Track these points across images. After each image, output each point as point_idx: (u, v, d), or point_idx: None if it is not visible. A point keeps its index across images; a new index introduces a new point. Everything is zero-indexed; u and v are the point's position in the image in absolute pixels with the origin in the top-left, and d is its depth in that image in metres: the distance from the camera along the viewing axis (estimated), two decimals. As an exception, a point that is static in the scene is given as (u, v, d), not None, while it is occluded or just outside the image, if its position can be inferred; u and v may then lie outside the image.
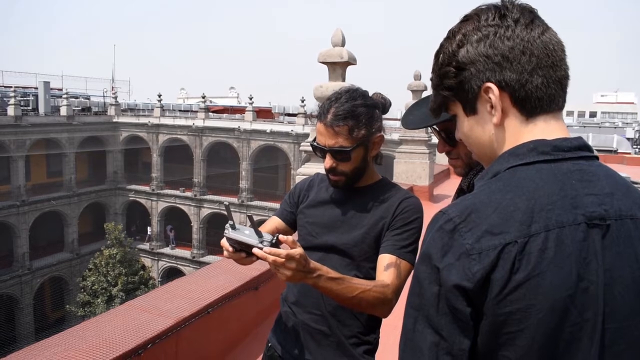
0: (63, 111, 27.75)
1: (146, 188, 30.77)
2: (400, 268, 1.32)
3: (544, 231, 0.66)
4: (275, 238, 1.13)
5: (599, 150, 18.09)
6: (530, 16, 0.75)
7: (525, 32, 0.73)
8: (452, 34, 0.79)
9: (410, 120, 1.39)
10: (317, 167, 4.76)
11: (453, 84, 0.78)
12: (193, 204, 29.46)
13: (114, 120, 31.24)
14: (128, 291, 22.53)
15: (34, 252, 25.71)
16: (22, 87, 30.36)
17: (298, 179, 4.33)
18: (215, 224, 28.04)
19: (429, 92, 1.31)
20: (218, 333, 2.68)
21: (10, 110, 24.60)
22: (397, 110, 20.94)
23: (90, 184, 30.29)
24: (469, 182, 1.30)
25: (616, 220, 0.69)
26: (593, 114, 49.97)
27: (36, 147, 26.62)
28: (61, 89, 31.83)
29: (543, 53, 0.73)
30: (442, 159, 11.43)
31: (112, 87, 35.93)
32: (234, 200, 27.83)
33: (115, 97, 32.43)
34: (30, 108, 28.21)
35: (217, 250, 23.77)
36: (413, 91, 9.00)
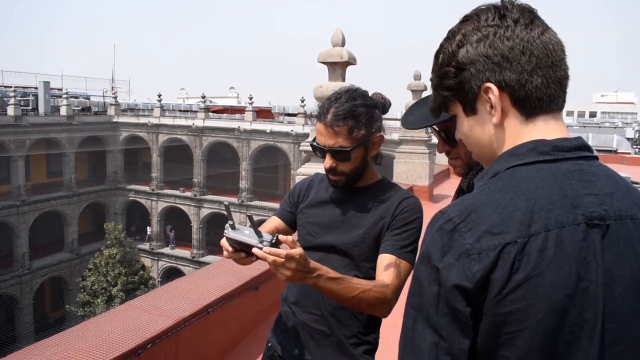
0: (63, 111, 27.75)
1: (146, 188, 30.76)
2: (400, 268, 1.32)
3: (543, 231, 0.66)
4: (275, 238, 1.13)
5: (598, 150, 18.09)
6: (530, 16, 0.75)
7: (525, 32, 0.73)
8: (451, 34, 0.79)
9: (410, 120, 1.39)
10: (317, 167, 4.76)
11: (453, 84, 0.78)
12: (193, 204, 29.45)
13: (114, 120, 31.22)
14: (128, 291, 22.52)
15: (34, 252, 25.70)
16: (22, 87, 30.35)
17: (298, 179, 4.32)
18: (215, 224, 28.02)
19: (428, 92, 1.31)
20: (218, 333, 2.68)
21: (10, 110, 24.60)
22: (397, 110, 20.97)
23: (90, 184, 30.27)
24: (468, 182, 1.30)
25: (616, 220, 0.69)
26: (593, 114, 49.95)
27: (36, 147, 26.62)
28: (61, 89, 31.82)
29: (543, 53, 0.73)
30: (442, 159, 11.42)
31: (112, 87, 35.94)
32: (234, 200, 27.82)
33: (115, 97, 32.41)
34: (30, 108, 28.20)
35: (217, 250, 23.75)
36: (413, 91, 9.01)
